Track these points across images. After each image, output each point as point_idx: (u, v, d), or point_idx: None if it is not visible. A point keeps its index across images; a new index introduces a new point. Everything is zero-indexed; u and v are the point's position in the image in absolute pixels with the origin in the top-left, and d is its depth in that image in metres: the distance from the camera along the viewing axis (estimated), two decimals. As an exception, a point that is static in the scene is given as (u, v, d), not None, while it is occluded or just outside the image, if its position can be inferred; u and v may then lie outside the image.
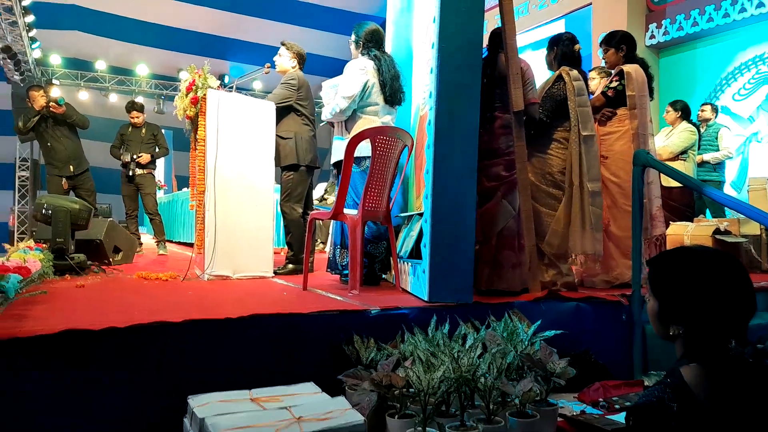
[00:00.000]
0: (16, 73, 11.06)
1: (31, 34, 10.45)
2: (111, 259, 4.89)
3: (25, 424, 1.91)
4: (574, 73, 3.40)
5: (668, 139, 5.87)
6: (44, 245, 4.28)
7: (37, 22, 10.18)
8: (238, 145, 3.91)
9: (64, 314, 2.40)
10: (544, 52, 3.73)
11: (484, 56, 3.18)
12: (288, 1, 11.46)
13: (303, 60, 4.49)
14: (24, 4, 9.31)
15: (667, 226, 4.51)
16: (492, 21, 8.01)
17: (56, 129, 5.95)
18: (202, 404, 1.74)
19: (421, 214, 3.09)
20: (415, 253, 3.16)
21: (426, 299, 2.80)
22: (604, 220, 3.50)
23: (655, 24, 7.84)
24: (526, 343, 2.22)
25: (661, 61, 8.05)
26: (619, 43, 3.81)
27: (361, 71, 3.52)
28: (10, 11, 9.29)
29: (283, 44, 4.48)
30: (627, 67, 3.71)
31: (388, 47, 3.91)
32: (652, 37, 7.87)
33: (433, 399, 1.87)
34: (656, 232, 3.68)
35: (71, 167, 5.99)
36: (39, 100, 5.82)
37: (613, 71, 3.87)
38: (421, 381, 1.90)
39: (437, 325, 2.44)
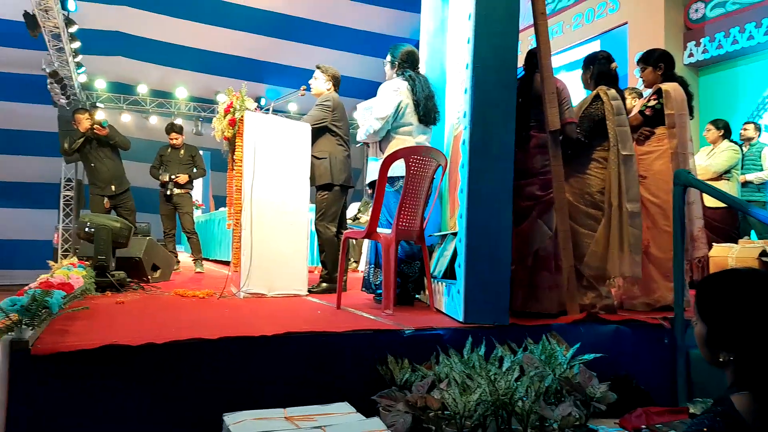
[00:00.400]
0: (62, 97, 11.51)
1: (77, 59, 10.87)
2: (150, 277, 4.99)
3: (65, 437, 1.95)
4: (612, 92, 3.35)
5: (710, 159, 5.73)
6: (87, 262, 4.40)
7: (82, 48, 10.59)
8: (274, 166, 3.97)
9: (105, 330, 2.45)
10: (579, 72, 3.69)
11: (520, 76, 3.17)
12: (323, 25, 11.68)
13: (338, 82, 4.56)
14: (71, 30, 9.72)
15: (710, 247, 4.38)
16: (526, 42, 8.02)
17: (99, 150, 6.15)
18: (237, 422, 1.75)
19: (455, 234, 3.07)
20: (450, 274, 3.14)
21: (461, 320, 2.77)
22: (644, 242, 3.41)
23: (693, 42, 7.71)
24: (565, 366, 2.17)
25: (701, 79, 7.89)
26: (657, 62, 3.75)
27: (394, 92, 3.55)
28: (58, 38, 9.70)
29: (318, 67, 4.56)
30: (665, 86, 3.65)
31: (422, 69, 3.94)
32: (691, 55, 7.74)
33: (469, 422, 1.84)
34: (698, 253, 3.57)
35: (113, 187, 6.16)
36: (84, 122, 6.03)
37: (650, 90, 3.81)
38: (457, 403, 1.88)
39: (473, 347, 2.40)
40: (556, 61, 8.33)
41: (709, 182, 5.17)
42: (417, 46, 4.17)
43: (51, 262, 4.35)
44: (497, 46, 2.82)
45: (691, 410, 2.36)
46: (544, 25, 3.08)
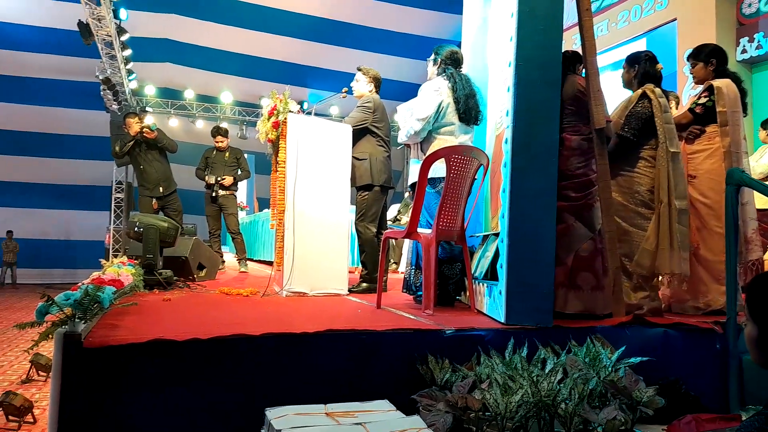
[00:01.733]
0: (114, 102, 11.95)
1: (128, 66, 11.28)
2: (195, 275, 5.12)
3: (114, 426, 2.01)
4: (658, 90, 3.28)
5: (762, 158, 5.50)
6: (136, 261, 4.54)
7: (133, 56, 10.98)
8: (316, 167, 4.02)
9: (152, 325, 2.52)
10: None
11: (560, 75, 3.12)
12: (365, 29, 11.76)
13: (379, 84, 4.58)
14: (122, 39, 10.08)
15: (765, 250, 4.19)
16: (569, 42, 7.86)
17: (148, 153, 6.35)
18: (278, 416, 1.77)
19: (497, 234, 3.04)
20: (491, 275, 3.11)
21: (503, 321, 2.73)
22: (693, 243, 3.31)
23: (746, 38, 7.41)
24: (610, 369, 2.12)
25: (754, 77, 7.57)
26: (708, 57, 3.63)
27: (435, 92, 3.54)
28: (111, 46, 10.08)
29: (359, 69, 4.59)
30: (717, 82, 3.52)
31: (466, 69, 3.92)
32: (744, 51, 7.44)
33: (511, 424, 1.81)
34: (752, 256, 3.43)
35: (161, 188, 6.35)
36: (134, 126, 6.24)
37: (701, 87, 3.68)
38: (499, 404, 1.85)
39: (515, 348, 2.37)
40: (600, 60, 8.13)
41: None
42: (459, 47, 4.16)
43: (103, 261, 4.51)
44: (541, 44, 2.78)
45: (744, 417, 2.27)
46: (589, 21, 3.03)
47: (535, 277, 2.72)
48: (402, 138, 3.74)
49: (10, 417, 4.13)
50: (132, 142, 6.24)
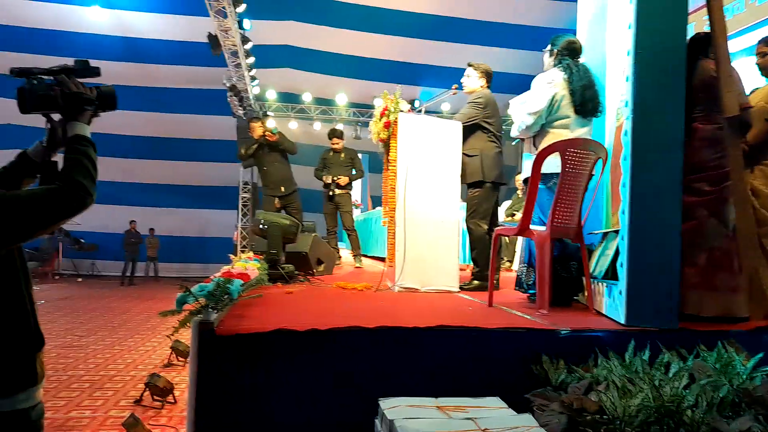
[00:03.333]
0: (240, 108, 12.80)
1: (251, 73, 12.02)
2: (314, 270, 5.38)
3: (238, 411, 2.19)
4: None
5: None
6: (261, 256, 4.86)
7: (256, 63, 11.69)
8: (427, 165, 4.06)
9: (276, 316, 2.70)
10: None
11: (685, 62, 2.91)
12: (476, 23, 11.63)
13: (490, 78, 4.52)
14: (246, 47, 10.78)
15: None
16: (701, 23, 7.24)
17: (270, 155, 6.75)
18: (392, 407, 1.83)
19: (617, 232, 2.90)
20: (611, 274, 2.97)
21: (623, 322, 2.62)
22: None
23: None
24: (744, 377, 1.96)
25: None
26: None
27: (548, 84, 3.43)
28: (236, 55, 10.81)
29: (469, 65, 4.56)
30: None
31: (582, 58, 3.77)
32: None
33: (630, 429, 1.74)
34: None
35: (282, 188, 6.73)
36: (257, 130, 6.66)
37: None
38: (616, 407, 1.79)
39: (636, 351, 2.27)
40: (735, 44, 7.38)
41: None
42: (574, 35, 4.00)
43: (231, 256, 4.88)
44: (662, 29, 2.62)
45: None
46: (719, 1, 2.79)
47: (659, 276, 2.57)
48: (514, 132, 3.68)
49: (155, 397, 4.60)
50: (255, 145, 6.66)
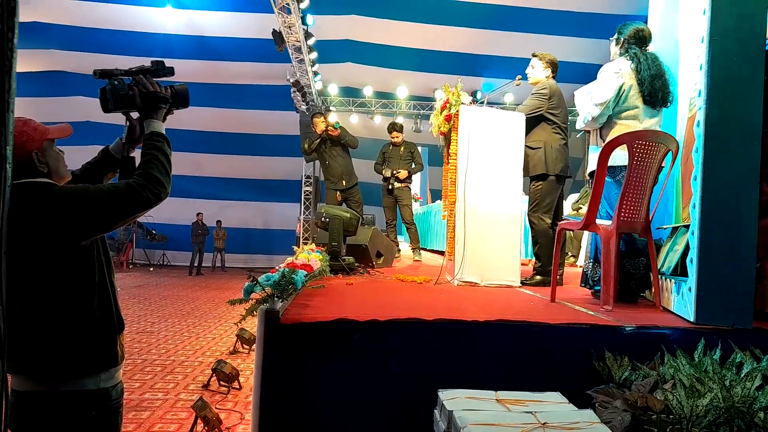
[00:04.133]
0: (303, 103, 13.05)
1: (313, 68, 12.22)
2: (374, 263, 5.44)
3: (301, 397, 2.26)
4: None
5: None
6: (323, 248, 4.97)
7: (318, 58, 11.87)
8: (488, 157, 4.02)
9: (337, 306, 2.77)
10: None
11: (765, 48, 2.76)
12: (540, 12, 11.35)
13: (556, 68, 4.42)
14: (309, 43, 10.96)
15: None
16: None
17: (332, 149, 6.86)
18: (451, 398, 1.85)
19: (687, 226, 2.79)
20: (681, 270, 2.87)
21: (692, 320, 2.52)
22: None
23: None
24: (824, 380, 1.85)
25: None
26: None
27: (615, 74, 3.32)
28: (299, 51, 11.01)
29: (534, 55, 4.47)
30: None
31: (653, 47, 3.63)
32: None
33: (697, 429, 1.69)
34: None
35: (343, 182, 6.83)
36: (320, 125, 6.78)
37: None
38: (683, 407, 1.74)
39: (705, 350, 2.18)
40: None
41: None
42: (645, 23, 3.86)
43: (295, 248, 5.01)
44: (739, 14, 2.49)
45: None
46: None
47: (731, 273, 2.46)
48: (580, 124, 3.59)
49: (221, 382, 4.80)
50: (318, 140, 6.79)
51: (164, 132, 1.83)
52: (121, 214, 1.67)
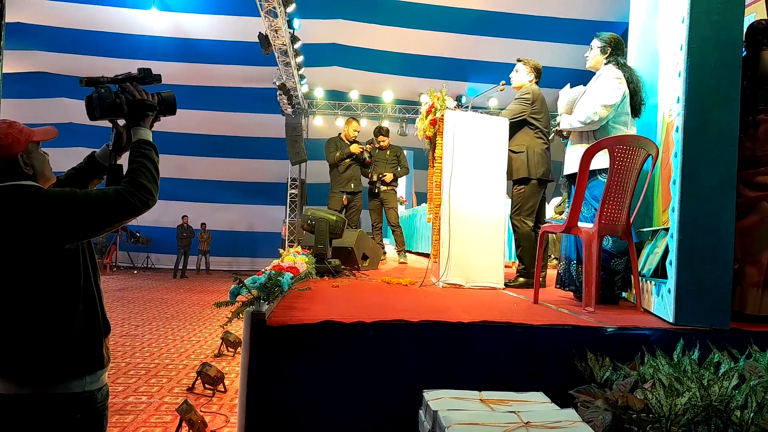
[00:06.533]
0: (288, 106, 13.04)
1: (300, 72, 12.22)
2: (360, 265, 5.46)
3: (287, 399, 2.27)
4: None
5: None
6: (308, 251, 4.98)
7: (304, 62, 11.87)
8: (472, 161, 4.06)
9: (323, 308, 2.78)
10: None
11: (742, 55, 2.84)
12: (525, 18, 11.47)
13: (539, 73, 4.49)
14: (295, 46, 10.97)
15: None
16: (760, 12, 6.97)
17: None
18: (436, 398, 1.87)
19: (666, 229, 2.85)
20: (660, 272, 2.92)
21: (671, 321, 2.58)
22: None
23: None
24: (799, 378, 1.91)
25: None
26: None
27: (617, 80, 3.37)
28: (285, 54, 11.01)
29: (519, 60, 4.54)
30: None
31: (633, 53, 3.70)
32: None
33: (676, 427, 1.73)
34: None
35: (352, 185, 6.83)
36: (350, 132, 6.79)
37: None
38: (662, 406, 1.78)
39: (684, 350, 2.23)
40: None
41: None
42: (626, 30, 3.93)
43: (281, 250, 5.01)
44: (717, 22, 2.56)
45: None
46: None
47: (709, 275, 2.52)
48: (574, 123, 3.52)
49: (206, 385, 4.78)
50: (347, 159, 6.74)
51: (152, 140, 1.83)
52: (108, 220, 1.67)
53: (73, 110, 12.23)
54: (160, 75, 1.91)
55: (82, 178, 1.94)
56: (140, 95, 1.83)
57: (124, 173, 1.76)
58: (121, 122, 1.86)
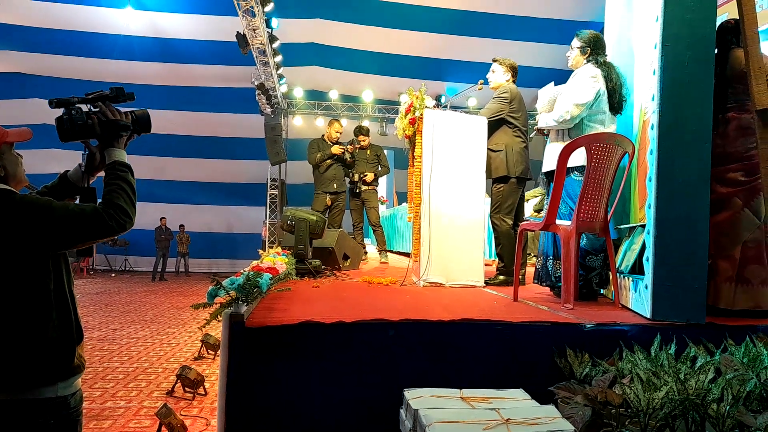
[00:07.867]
0: (267, 106, 12.94)
1: (279, 71, 12.14)
2: (341, 265, 5.44)
3: (267, 401, 2.25)
4: None
5: None
6: (288, 251, 4.94)
7: (283, 61, 11.80)
8: (451, 160, 4.07)
9: (303, 308, 2.76)
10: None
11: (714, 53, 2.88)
12: (502, 17, 11.56)
13: (516, 72, 4.51)
14: (274, 46, 10.89)
15: None
16: (733, 12, 7.10)
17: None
18: (416, 397, 1.87)
19: (643, 226, 2.89)
20: (637, 268, 2.96)
21: (648, 317, 2.61)
22: None
23: None
24: (772, 371, 1.94)
25: None
26: None
27: (592, 79, 3.40)
28: (264, 53, 10.94)
29: (495, 60, 4.55)
30: None
31: (610, 52, 3.74)
32: None
33: (654, 421, 1.74)
34: None
35: (335, 185, 6.80)
36: (333, 134, 6.79)
37: None
38: (640, 400, 1.79)
39: (662, 345, 2.26)
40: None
41: None
42: (602, 29, 3.97)
43: (260, 251, 4.97)
44: (690, 21, 2.60)
45: None
46: (750, -9, 2.75)
47: (685, 271, 2.56)
48: (549, 122, 3.56)
49: (186, 389, 4.73)
50: (329, 160, 6.71)
51: (126, 161, 1.79)
52: (82, 237, 1.63)
53: (47, 111, 11.93)
54: (132, 93, 1.86)
55: (54, 197, 1.89)
56: (113, 115, 1.78)
57: (101, 195, 1.71)
58: (95, 142, 1.81)
